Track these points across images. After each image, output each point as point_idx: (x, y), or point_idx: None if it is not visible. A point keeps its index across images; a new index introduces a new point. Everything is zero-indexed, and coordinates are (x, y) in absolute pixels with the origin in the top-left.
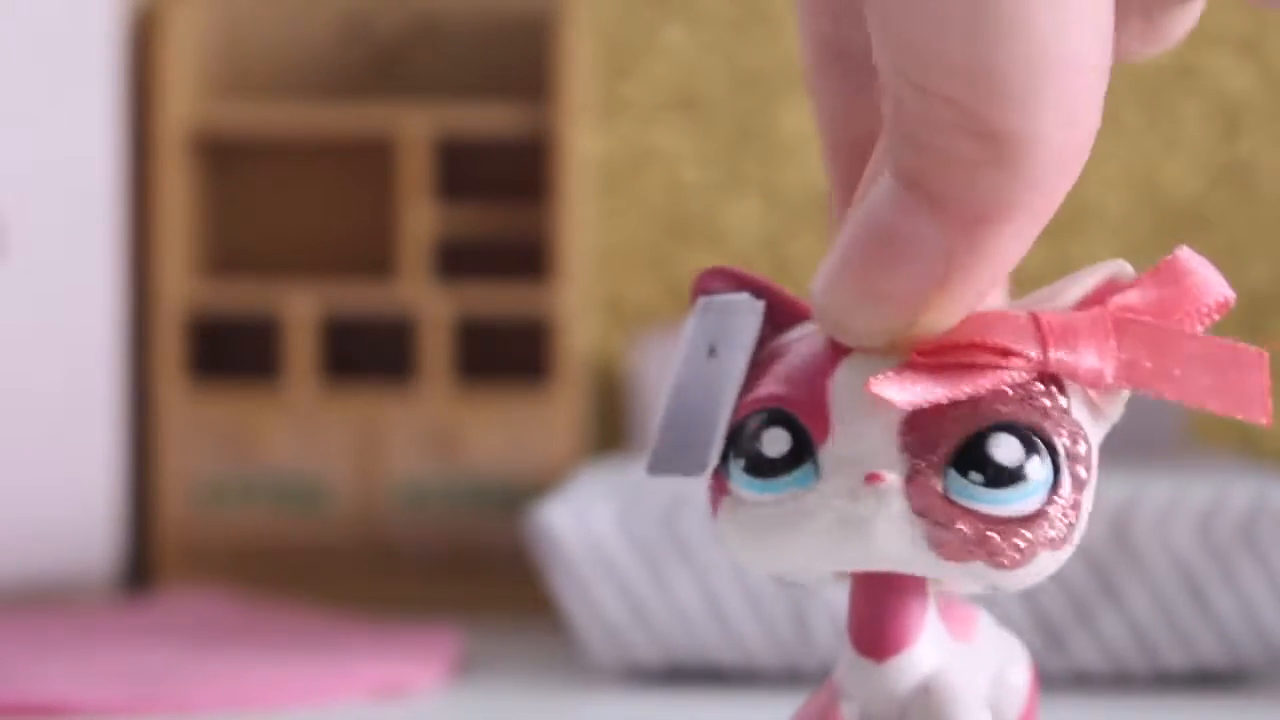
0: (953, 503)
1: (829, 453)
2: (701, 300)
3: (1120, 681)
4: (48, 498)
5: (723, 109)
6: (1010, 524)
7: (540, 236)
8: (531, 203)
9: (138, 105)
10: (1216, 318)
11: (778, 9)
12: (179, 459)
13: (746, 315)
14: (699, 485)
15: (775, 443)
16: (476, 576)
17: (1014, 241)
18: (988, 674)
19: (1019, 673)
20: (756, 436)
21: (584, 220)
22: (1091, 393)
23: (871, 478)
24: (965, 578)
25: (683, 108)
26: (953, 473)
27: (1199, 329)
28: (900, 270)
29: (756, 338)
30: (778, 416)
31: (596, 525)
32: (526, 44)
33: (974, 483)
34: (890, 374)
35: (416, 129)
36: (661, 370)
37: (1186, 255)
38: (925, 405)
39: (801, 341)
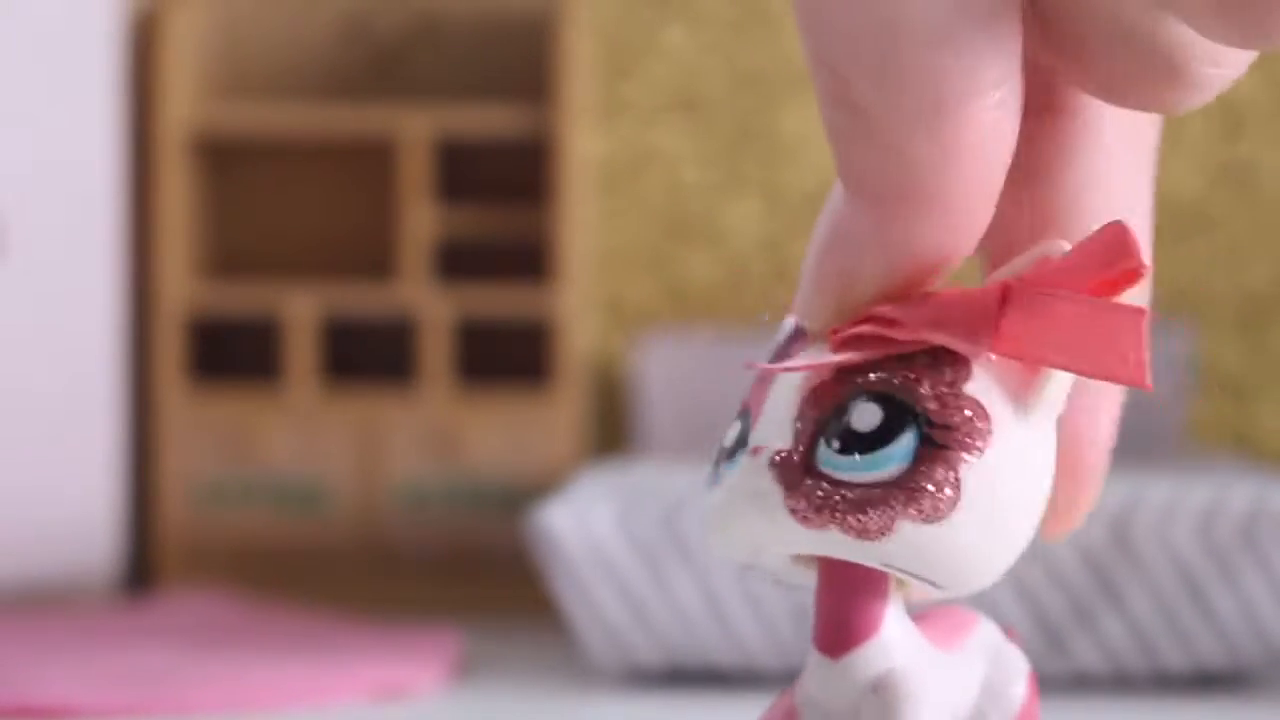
0: (818, 472)
1: (752, 437)
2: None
3: (1120, 682)
4: (48, 499)
5: (723, 110)
6: (865, 490)
7: (540, 237)
8: (532, 204)
9: (138, 106)
10: (1132, 284)
11: (778, 10)
12: (179, 460)
13: (782, 334)
14: (699, 486)
15: (730, 433)
16: (477, 578)
17: (928, 227)
18: (973, 684)
19: (1014, 684)
20: (724, 433)
21: (584, 221)
22: (1012, 377)
23: (754, 451)
24: (838, 549)
25: (683, 109)
26: (821, 443)
27: (1112, 298)
28: (828, 251)
29: (775, 350)
30: (740, 410)
31: (597, 527)
32: (527, 45)
33: (834, 450)
34: (801, 356)
35: (416, 130)
36: (662, 370)
37: (1113, 226)
38: (817, 380)
39: (790, 339)
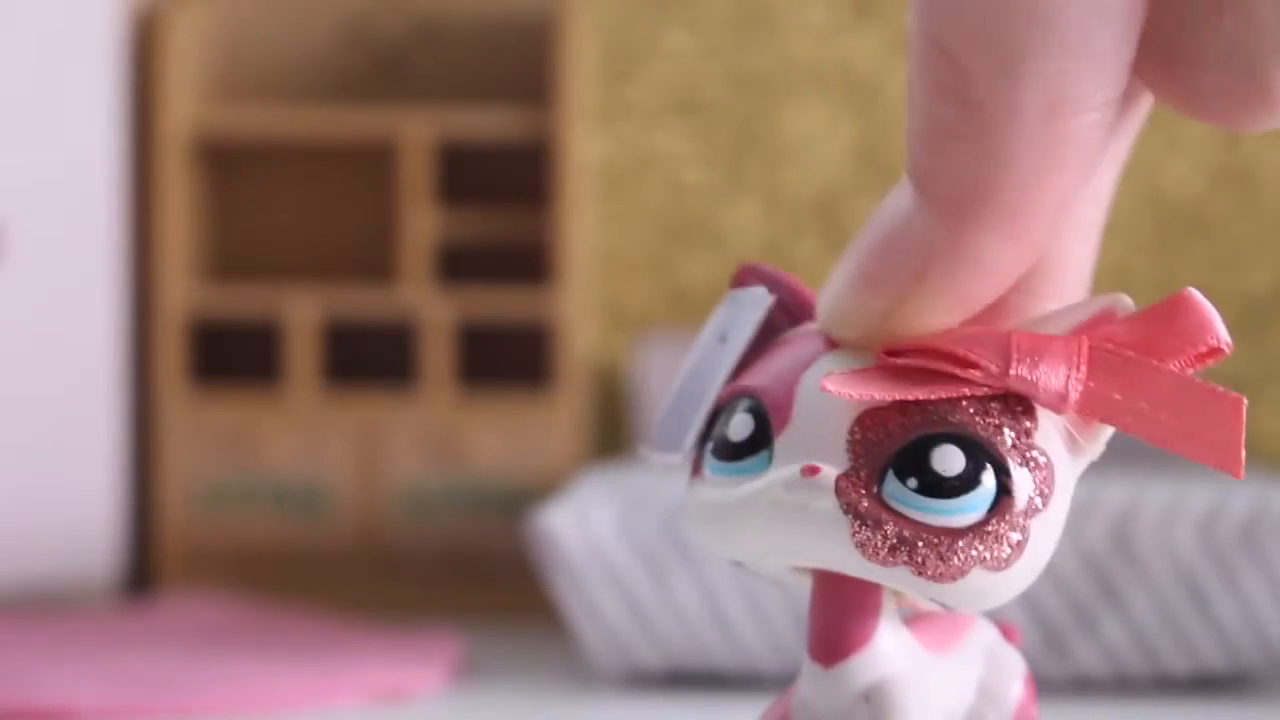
0: (885, 505)
1: (782, 444)
2: (730, 292)
3: (1121, 685)
4: (49, 502)
5: (724, 112)
6: (941, 535)
7: (541, 240)
8: (532, 207)
9: (139, 109)
10: (1208, 363)
11: (778, 12)
12: (180, 463)
13: (755, 308)
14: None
15: (740, 428)
16: (477, 581)
17: (1001, 242)
18: (969, 686)
19: (1010, 686)
20: (727, 422)
21: (585, 224)
22: (1068, 425)
23: (808, 470)
24: (896, 583)
25: (684, 111)
26: (891, 475)
27: (1186, 371)
28: (885, 254)
29: (756, 329)
30: (749, 403)
31: (597, 529)
32: (528, 48)
33: (909, 488)
34: (850, 373)
35: (418, 133)
36: (663, 373)
37: (1190, 295)
38: (873, 404)
39: (803, 335)
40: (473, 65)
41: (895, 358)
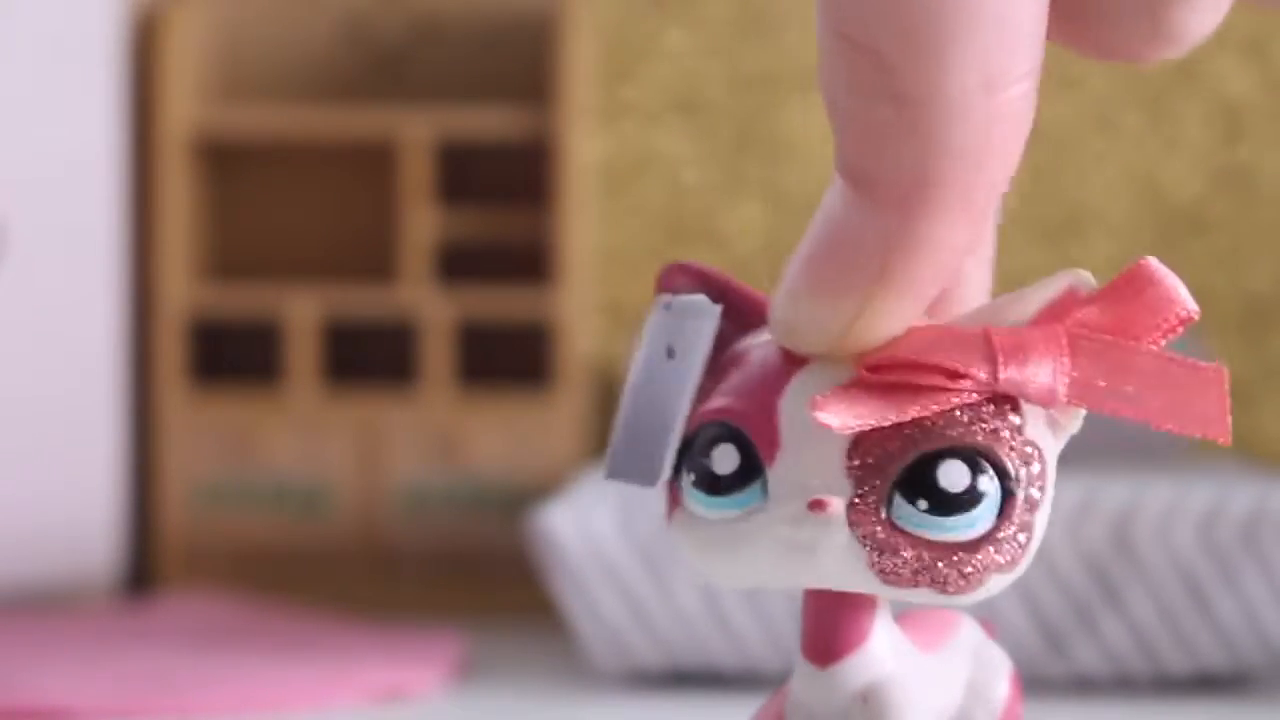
0: (898, 529)
1: (776, 474)
2: (662, 299)
3: (1121, 685)
4: (49, 501)
5: (724, 112)
6: (957, 550)
7: (541, 240)
8: (532, 206)
9: (139, 108)
10: (1179, 332)
11: (779, 12)
12: (180, 462)
13: (703, 319)
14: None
15: (724, 460)
16: (478, 580)
17: (949, 228)
18: (958, 685)
19: (996, 684)
20: (706, 452)
21: (585, 224)
22: (1051, 410)
23: (815, 505)
24: (915, 600)
25: (684, 110)
26: (899, 498)
27: (1160, 344)
28: (839, 261)
29: (712, 343)
30: (728, 432)
31: (598, 528)
32: (527, 47)
33: (920, 509)
34: (836, 395)
35: (417, 132)
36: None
37: (1150, 266)
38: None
39: (760, 348)
40: (472, 65)
41: (879, 373)
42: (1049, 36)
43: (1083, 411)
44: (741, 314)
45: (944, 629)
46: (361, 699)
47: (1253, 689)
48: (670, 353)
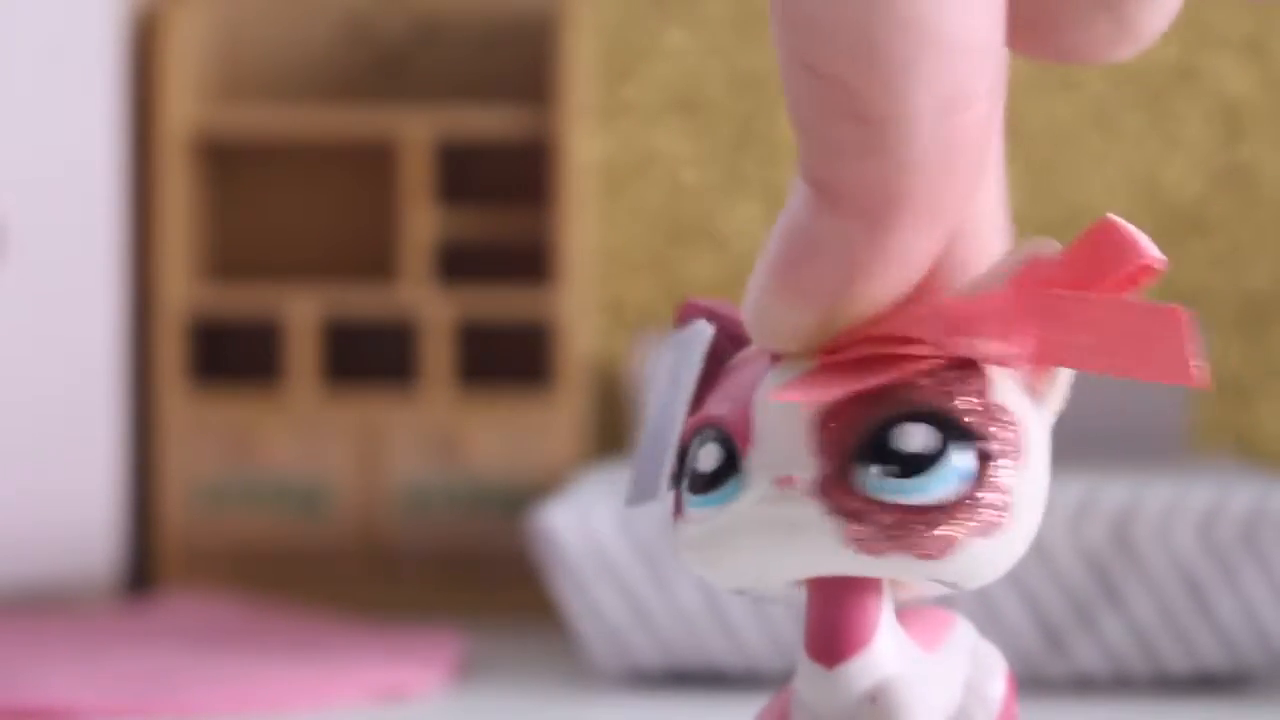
0: (867, 497)
1: (751, 463)
2: (674, 335)
3: (1121, 684)
4: (49, 501)
5: (723, 111)
6: (930, 513)
7: (541, 239)
8: (532, 206)
9: (139, 108)
10: (1143, 282)
11: None
12: (180, 462)
13: (698, 343)
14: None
15: (708, 459)
16: (478, 579)
17: (917, 237)
18: (956, 684)
19: (993, 683)
20: (695, 455)
21: (585, 223)
22: (1025, 377)
23: (781, 481)
24: (895, 571)
25: (683, 110)
26: (864, 467)
27: (1124, 296)
28: (810, 267)
29: (701, 363)
30: (714, 434)
31: (598, 528)
32: (527, 47)
33: (886, 474)
34: (799, 379)
35: (418, 132)
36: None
37: (1109, 220)
38: (829, 403)
39: (750, 358)
40: (473, 65)
41: (836, 353)
42: (1008, 45)
43: (1062, 380)
44: (742, 336)
45: (940, 628)
46: (361, 698)
47: (1252, 688)
48: (675, 380)
